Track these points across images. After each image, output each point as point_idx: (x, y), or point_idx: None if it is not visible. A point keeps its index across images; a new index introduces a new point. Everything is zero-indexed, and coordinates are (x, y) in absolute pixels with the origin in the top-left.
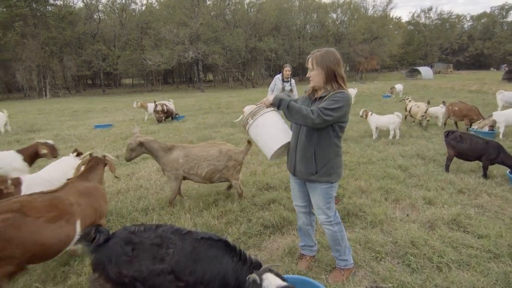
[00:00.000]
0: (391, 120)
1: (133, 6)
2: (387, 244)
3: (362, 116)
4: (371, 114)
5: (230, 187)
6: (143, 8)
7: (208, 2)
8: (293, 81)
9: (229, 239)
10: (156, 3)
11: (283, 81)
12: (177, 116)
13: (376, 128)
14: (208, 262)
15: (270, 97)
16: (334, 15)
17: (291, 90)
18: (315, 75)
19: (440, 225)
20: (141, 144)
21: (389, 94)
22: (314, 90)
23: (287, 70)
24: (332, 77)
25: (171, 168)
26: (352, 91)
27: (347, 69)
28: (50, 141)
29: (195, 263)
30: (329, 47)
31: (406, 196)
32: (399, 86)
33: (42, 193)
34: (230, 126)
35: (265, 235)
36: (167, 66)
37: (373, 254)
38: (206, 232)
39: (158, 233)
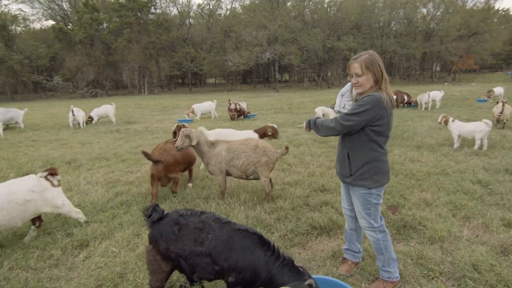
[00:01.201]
0: (478, 128)
1: (219, 11)
2: (444, 263)
3: (441, 123)
4: (452, 121)
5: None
6: (228, 12)
7: (288, 4)
8: None
9: (276, 235)
10: (240, 7)
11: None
12: (248, 114)
13: (459, 136)
14: (241, 252)
15: (306, 123)
16: (425, 10)
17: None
18: (364, 81)
19: None
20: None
21: (485, 98)
22: (359, 95)
23: None
24: (380, 81)
25: (216, 162)
26: (437, 94)
27: (437, 69)
28: (274, 125)
29: (229, 250)
30: (371, 50)
31: (480, 215)
32: (499, 90)
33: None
34: (297, 126)
35: (311, 236)
36: (246, 66)
37: (424, 271)
38: (244, 224)
39: (201, 219)
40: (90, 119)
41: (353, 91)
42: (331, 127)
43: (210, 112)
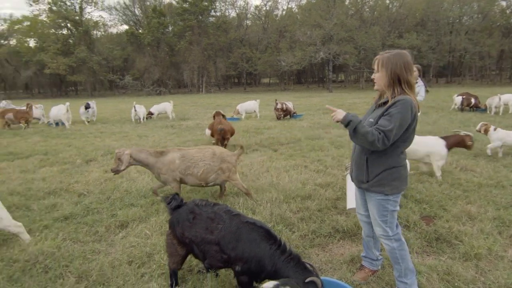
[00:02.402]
0: None
1: (275, 11)
2: (475, 283)
3: (480, 131)
4: (494, 130)
5: (222, 193)
6: (284, 13)
7: (346, 2)
8: (421, 82)
9: (296, 234)
10: (296, 7)
11: None
12: (295, 114)
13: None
14: (248, 243)
15: (341, 113)
16: (504, 3)
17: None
18: (378, 78)
19: None
20: (129, 156)
21: None
22: (381, 94)
23: (415, 70)
24: (395, 82)
25: (167, 170)
26: (510, 97)
27: None
28: (471, 134)
29: (237, 241)
30: (401, 49)
31: None
32: None
33: None
34: (341, 128)
35: (333, 238)
36: (299, 66)
37: None
38: (254, 218)
39: (213, 210)
40: (150, 114)
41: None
42: (377, 146)
43: (254, 111)
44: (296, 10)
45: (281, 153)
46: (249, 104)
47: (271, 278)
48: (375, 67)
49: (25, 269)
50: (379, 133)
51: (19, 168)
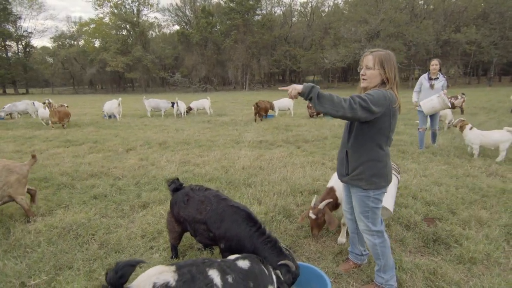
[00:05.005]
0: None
1: (322, 8)
2: (460, 285)
3: (456, 126)
4: (470, 128)
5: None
6: (331, 9)
7: None
8: (442, 77)
9: (294, 225)
10: (342, 3)
11: (430, 78)
12: None
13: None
14: (230, 224)
15: (297, 86)
16: None
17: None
18: (373, 75)
19: None
20: None
21: None
22: (363, 91)
23: (435, 64)
24: (392, 80)
25: None
26: None
27: None
28: None
29: (221, 221)
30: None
31: None
32: None
33: None
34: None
35: (330, 232)
36: (342, 64)
37: None
38: (238, 202)
39: (204, 194)
40: (189, 109)
41: (423, 80)
42: (342, 105)
43: (289, 109)
44: (342, 6)
45: (304, 150)
46: (282, 102)
47: None
48: (369, 63)
49: (61, 234)
50: (352, 97)
51: (72, 153)
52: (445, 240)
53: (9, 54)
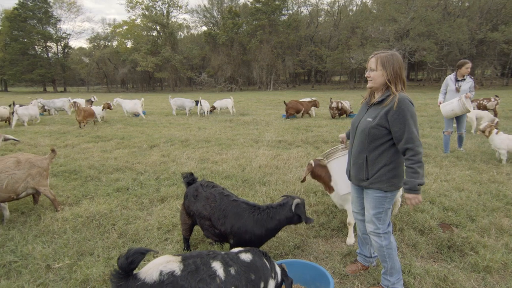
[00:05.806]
0: None
1: (350, 6)
2: None
3: (484, 132)
4: (496, 133)
5: (36, 201)
6: (359, 7)
7: None
8: (470, 79)
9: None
10: (370, 1)
11: (456, 80)
12: (351, 114)
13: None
14: (233, 218)
15: (414, 196)
16: None
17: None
18: (376, 76)
19: None
20: None
21: None
22: (371, 94)
23: (469, 66)
24: (395, 80)
25: None
26: None
27: None
28: None
29: (225, 217)
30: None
31: None
32: None
33: None
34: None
35: (340, 233)
36: None
37: None
38: (238, 196)
39: (211, 191)
40: (213, 108)
41: (449, 82)
42: (421, 157)
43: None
44: (371, 5)
45: (322, 150)
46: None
47: (269, 237)
48: (372, 65)
49: (85, 223)
50: (414, 151)
51: (100, 148)
52: (460, 247)
53: (50, 54)
